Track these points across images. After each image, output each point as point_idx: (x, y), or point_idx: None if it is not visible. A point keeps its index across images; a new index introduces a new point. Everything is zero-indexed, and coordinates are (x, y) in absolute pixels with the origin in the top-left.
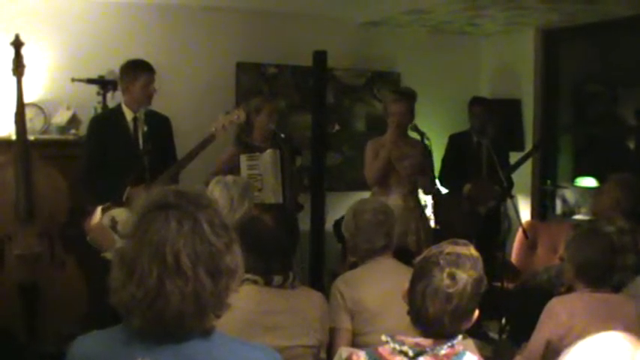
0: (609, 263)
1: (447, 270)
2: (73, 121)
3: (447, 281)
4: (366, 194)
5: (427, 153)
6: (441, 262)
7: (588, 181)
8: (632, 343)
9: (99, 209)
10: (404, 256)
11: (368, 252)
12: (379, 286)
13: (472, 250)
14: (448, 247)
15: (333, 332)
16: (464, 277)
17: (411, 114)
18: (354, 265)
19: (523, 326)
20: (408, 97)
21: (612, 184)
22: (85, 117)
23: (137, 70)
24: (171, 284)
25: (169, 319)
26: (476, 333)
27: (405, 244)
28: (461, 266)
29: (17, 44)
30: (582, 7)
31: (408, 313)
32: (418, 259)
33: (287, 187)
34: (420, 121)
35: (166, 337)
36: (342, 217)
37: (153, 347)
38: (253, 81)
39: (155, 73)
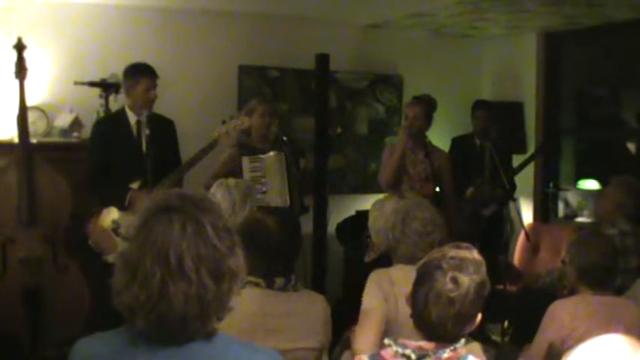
0: (611, 266)
1: (450, 274)
2: (76, 124)
3: (449, 285)
4: (369, 197)
5: (450, 164)
6: (444, 265)
7: (591, 184)
8: (632, 346)
9: (112, 209)
10: None
11: (406, 259)
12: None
13: (475, 254)
14: (451, 251)
15: (363, 313)
16: (466, 281)
17: (426, 119)
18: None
19: (526, 329)
20: (423, 102)
21: (614, 187)
22: (88, 120)
23: (138, 74)
24: (175, 287)
25: (172, 321)
26: (478, 336)
27: None
28: (464, 270)
29: (20, 47)
30: (584, 10)
31: (411, 316)
32: (421, 262)
33: (293, 189)
34: None
35: (169, 340)
36: (345, 220)
37: (155, 349)
38: (256, 84)
39: (157, 77)
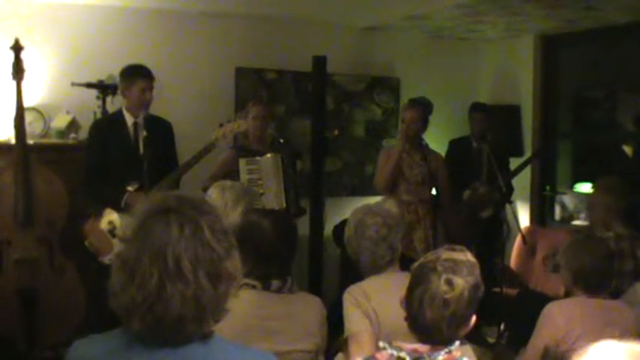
0: (607, 269)
1: (444, 276)
2: (73, 125)
3: (444, 287)
4: (365, 199)
5: (446, 167)
6: (438, 268)
7: (587, 187)
8: None
9: (109, 211)
10: (408, 264)
11: (373, 267)
12: (389, 301)
13: (469, 256)
14: (445, 253)
15: (351, 338)
16: (461, 283)
17: (422, 122)
18: None
19: (522, 332)
20: (419, 105)
21: (598, 192)
22: (85, 121)
23: (134, 75)
24: (172, 288)
25: (169, 322)
26: (474, 338)
27: (409, 253)
28: (458, 272)
29: (17, 48)
30: (581, 13)
31: (406, 319)
32: (415, 265)
33: (289, 191)
34: None
35: (165, 341)
36: (342, 222)
37: (152, 351)
38: (253, 86)
39: (153, 79)
